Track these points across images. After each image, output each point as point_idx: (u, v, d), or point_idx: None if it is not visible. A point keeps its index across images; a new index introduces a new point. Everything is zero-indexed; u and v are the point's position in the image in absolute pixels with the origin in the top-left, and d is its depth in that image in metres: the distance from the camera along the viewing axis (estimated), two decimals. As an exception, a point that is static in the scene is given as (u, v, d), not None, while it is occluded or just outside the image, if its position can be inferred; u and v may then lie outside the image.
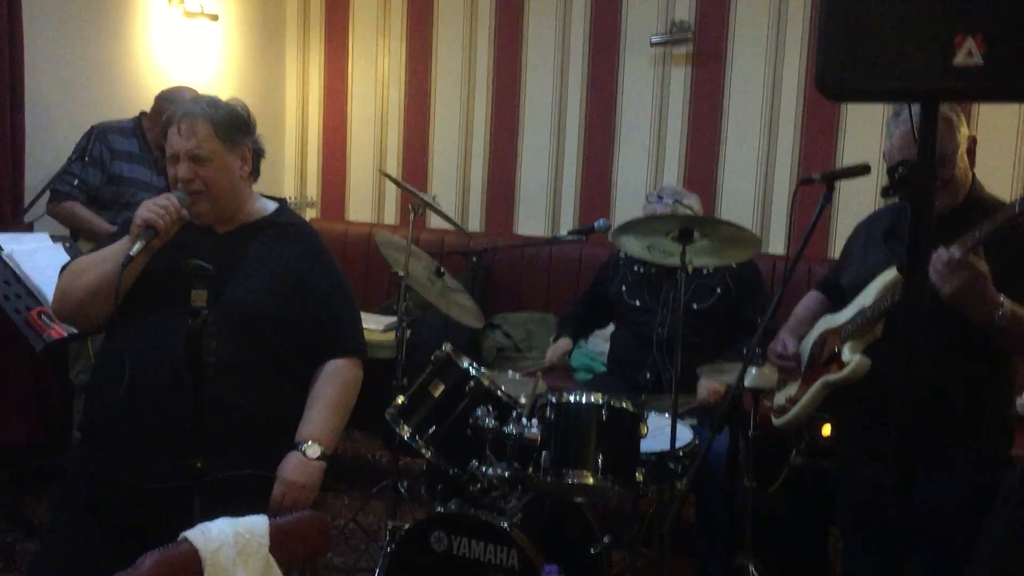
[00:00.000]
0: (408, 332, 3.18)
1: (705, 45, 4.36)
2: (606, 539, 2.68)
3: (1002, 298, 2.06)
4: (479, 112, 4.97)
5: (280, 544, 1.55)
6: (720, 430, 2.19)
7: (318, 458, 2.12)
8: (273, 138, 5.39)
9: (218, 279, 1.88)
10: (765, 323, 2.06)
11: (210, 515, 1.56)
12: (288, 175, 5.58)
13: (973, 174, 2.36)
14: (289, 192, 5.52)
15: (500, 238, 4.75)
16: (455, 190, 5.08)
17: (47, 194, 3.60)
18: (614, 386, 3.26)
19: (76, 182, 3.61)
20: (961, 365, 2.25)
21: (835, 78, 1.42)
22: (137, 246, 1.95)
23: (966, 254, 2.01)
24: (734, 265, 3.22)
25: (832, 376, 2.29)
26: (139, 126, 3.82)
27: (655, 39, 4.40)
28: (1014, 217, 1.99)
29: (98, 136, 3.69)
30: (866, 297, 2.35)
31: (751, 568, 2.79)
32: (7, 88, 3.69)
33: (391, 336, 3.18)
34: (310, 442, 2.12)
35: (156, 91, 3.95)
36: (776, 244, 4.27)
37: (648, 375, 3.21)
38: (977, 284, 2.03)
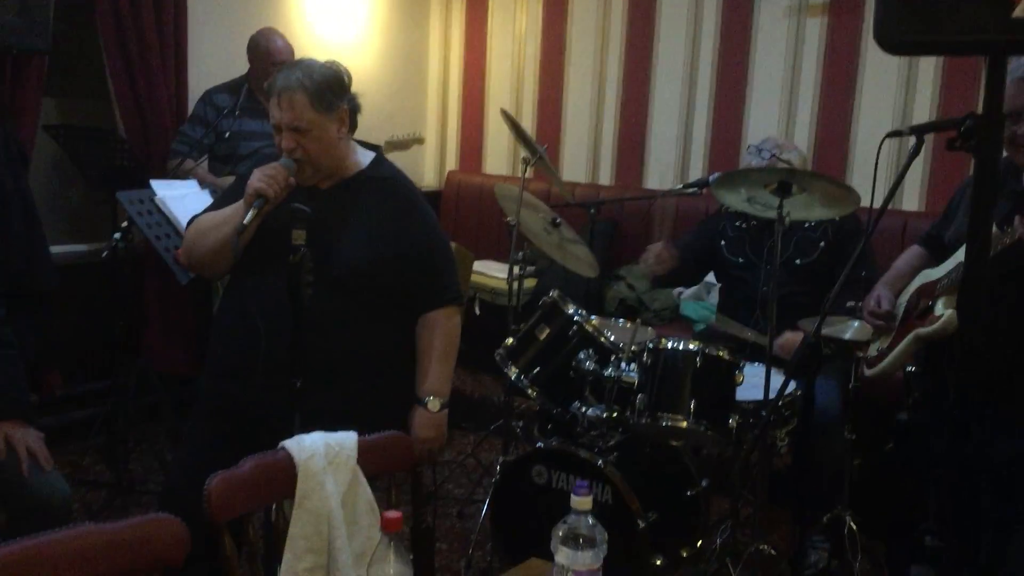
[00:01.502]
0: (523, 280, 3.32)
1: (843, -6, 4.24)
2: (704, 483, 2.76)
3: None
4: (612, 66, 5.01)
5: (367, 458, 1.73)
6: (792, 378, 2.22)
7: (440, 409, 2.36)
8: (416, 94, 5.63)
9: (323, 236, 2.06)
10: (845, 275, 2.07)
11: (307, 431, 1.75)
12: (430, 130, 5.80)
13: None
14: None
15: (628, 191, 4.81)
16: (587, 143, 5.16)
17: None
18: (722, 337, 3.22)
19: (187, 141, 3.88)
20: None
21: (893, 31, 1.44)
22: (250, 215, 2.16)
23: None
24: (837, 218, 3.08)
25: (923, 330, 2.27)
26: (247, 80, 3.99)
27: (790, -11, 4.31)
28: None
29: (203, 98, 3.96)
30: (963, 252, 2.30)
31: (848, 520, 2.81)
32: (172, 48, 4.03)
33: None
34: (430, 397, 2.36)
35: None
36: (910, 201, 4.14)
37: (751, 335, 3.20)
38: None
